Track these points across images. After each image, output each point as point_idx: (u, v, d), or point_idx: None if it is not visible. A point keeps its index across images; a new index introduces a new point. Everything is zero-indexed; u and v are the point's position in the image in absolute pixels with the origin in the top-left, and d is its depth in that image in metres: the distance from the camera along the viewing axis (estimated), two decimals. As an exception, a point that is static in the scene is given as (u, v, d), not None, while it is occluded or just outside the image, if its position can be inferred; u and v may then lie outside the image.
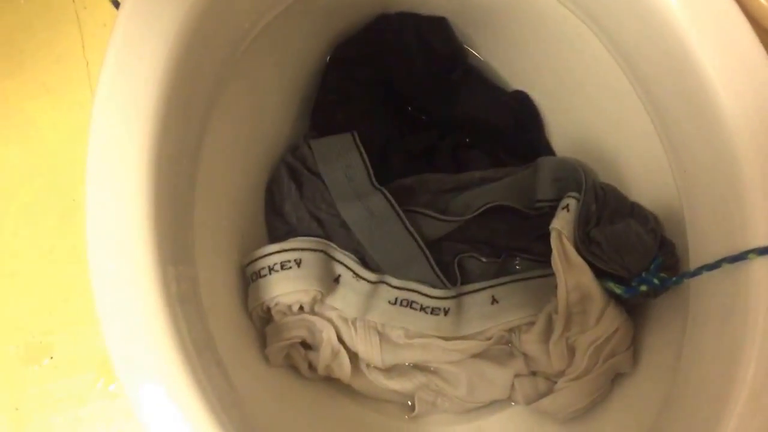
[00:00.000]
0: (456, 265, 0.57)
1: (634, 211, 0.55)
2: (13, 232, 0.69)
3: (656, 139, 0.52)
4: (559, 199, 0.56)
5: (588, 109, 0.60)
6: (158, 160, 0.41)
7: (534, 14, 0.58)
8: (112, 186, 0.40)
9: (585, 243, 0.53)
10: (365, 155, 0.56)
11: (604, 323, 0.52)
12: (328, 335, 0.53)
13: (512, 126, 0.63)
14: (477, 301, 0.56)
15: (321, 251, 0.54)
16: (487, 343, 0.55)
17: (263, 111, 0.59)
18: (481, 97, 0.64)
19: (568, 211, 0.54)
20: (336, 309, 0.53)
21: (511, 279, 0.57)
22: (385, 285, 0.55)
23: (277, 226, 0.57)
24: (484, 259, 0.58)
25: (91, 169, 0.40)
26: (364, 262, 0.56)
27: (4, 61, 0.74)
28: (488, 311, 0.56)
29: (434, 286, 0.56)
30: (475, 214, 0.56)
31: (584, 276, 0.52)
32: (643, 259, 0.52)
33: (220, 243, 0.52)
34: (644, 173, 0.56)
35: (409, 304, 0.55)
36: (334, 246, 0.55)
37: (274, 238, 0.57)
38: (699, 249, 0.50)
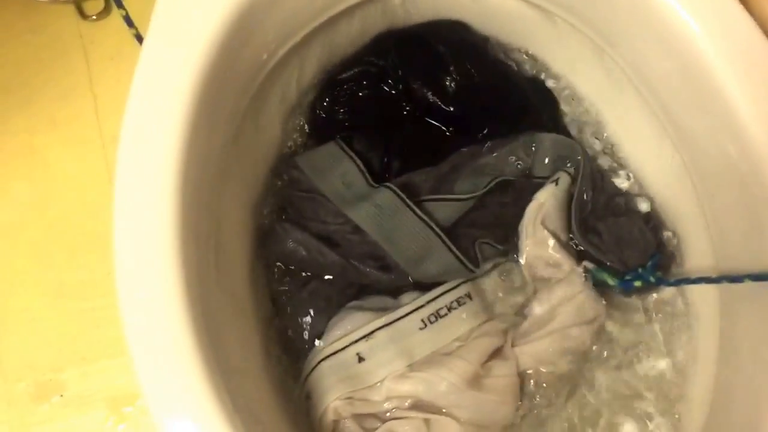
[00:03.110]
0: (476, 248, 0.55)
1: (634, 205, 0.55)
2: (23, 268, 0.69)
3: (668, 140, 0.53)
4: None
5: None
6: (184, 186, 0.41)
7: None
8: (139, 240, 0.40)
9: (581, 231, 0.53)
10: (358, 160, 0.55)
11: (563, 286, 0.53)
12: (401, 414, 0.49)
13: (527, 107, 0.62)
14: (493, 279, 0.57)
15: (320, 362, 0.51)
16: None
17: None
18: (496, 84, 0.62)
19: (556, 185, 0.54)
20: (386, 377, 0.49)
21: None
22: (401, 320, 0.52)
23: (288, 255, 0.54)
24: (500, 247, 0.57)
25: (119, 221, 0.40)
26: (387, 268, 0.53)
27: (12, 96, 0.74)
28: (504, 287, 0.57)
29: (440, 282, 0.54)
30: (486, 189, 0.55)
31: (544, 248, 0.53)
32: (642, 254, 0.52)
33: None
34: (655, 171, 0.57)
35: (437, 314, 0.52)
36: (328, 345, 0.52)
37: (279, 284, 0.55)
38: (721, 258, 0.50)
